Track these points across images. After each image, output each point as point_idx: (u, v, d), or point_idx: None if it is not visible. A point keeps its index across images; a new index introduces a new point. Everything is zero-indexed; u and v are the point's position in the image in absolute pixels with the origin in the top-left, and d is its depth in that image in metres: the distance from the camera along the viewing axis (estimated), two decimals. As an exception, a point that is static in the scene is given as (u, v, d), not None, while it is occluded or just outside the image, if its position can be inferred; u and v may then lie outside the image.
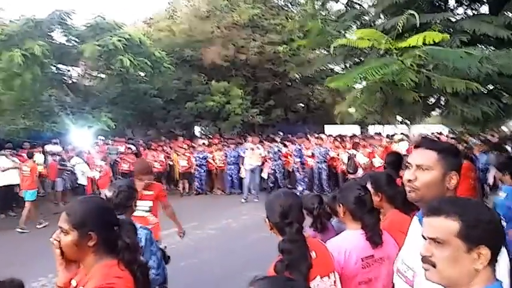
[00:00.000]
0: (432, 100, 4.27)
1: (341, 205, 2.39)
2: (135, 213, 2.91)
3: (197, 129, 20.67)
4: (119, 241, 1.72)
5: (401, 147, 11.30)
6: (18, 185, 10.68)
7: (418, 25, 2.61)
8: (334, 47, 2.92)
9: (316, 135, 14.26)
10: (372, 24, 3.70)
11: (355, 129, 20.11)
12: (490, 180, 8.30)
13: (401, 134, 12.42)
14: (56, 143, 12.76)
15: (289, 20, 19.67)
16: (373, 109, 3.57)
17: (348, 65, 3.94)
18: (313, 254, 1.98)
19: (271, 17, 19.44)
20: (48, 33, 13.25)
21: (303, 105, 25.44)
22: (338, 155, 12.18)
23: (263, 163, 12.58)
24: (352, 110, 3.74)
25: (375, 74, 2.41)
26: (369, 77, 2.43)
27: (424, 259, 1.26)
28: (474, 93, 2.70)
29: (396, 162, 4.31)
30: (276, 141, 13.37)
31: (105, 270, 1.65)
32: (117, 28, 14.01)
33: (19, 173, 9.97)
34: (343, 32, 3.66)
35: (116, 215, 1.83)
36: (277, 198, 2.06)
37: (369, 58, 3.28)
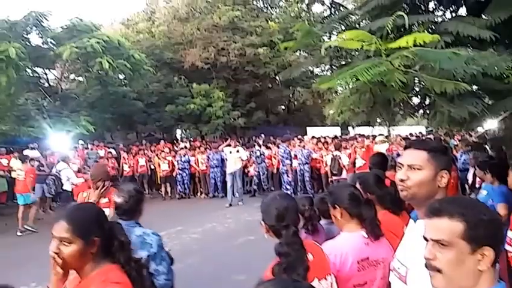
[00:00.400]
0: (416, 101, 4.34)
1: (337, 206, 2.36)
2: None
3: (178, 133, 20.52)
4: (114, 241, 1.70)
5: (381, 148, 11.46)
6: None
7: (406, 26, 2.65)
8: (325, 49, 2.92)
9: (299, 137, 14.33)
10: (357, 26, 3.74)
11: (336, 131, 20.33)
12: (470, 180, 8.51)
13: (381, 135, 12.61)
14: (33, 148, 12.42)
15: (269, 22, 19.80)
16: (360, 110, 3.61)
17: (333, 67, 3.99)
18: (310, 257, 1.96)
19: (252, 19, 19.51)
20: (24, 35, 12.95)
21: (283, 107, 25.60)
22: (322, 156, 12.26)
23: (246, 166, 12.55)
24: (332, 111, 3.76)
25: (365, 74, 2.43)
26: (360, 78, 2.44)
27: (429, 265, 1.24)
28: (460, 93, 2.76)
29: (381, 162, 4.36)
30: (259, 144, 13.34)
31: (104, 276, 1.62)
32: (94, 30, 13.82)
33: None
34: (328, 34, 3.68)
35: (106, 218, 1.79)
36: (273, 201, 2.04)
37: (356, 59, 3.31)
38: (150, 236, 2.72)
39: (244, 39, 18.56)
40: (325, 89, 21.68)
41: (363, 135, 14.63)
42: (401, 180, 1.70)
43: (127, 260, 1.70)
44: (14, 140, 12.51)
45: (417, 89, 3.21)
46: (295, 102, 23.79)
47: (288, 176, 11.76)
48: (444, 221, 1.22)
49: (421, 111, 4.27)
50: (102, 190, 3.62)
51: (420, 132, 18.16)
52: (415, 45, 2.47)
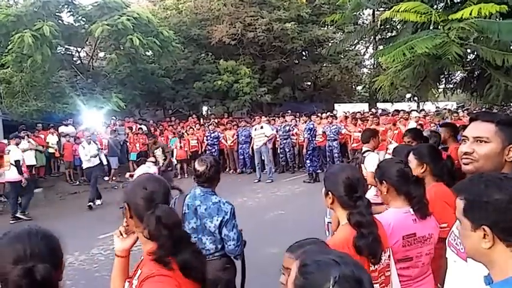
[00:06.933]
0: (459, 76, 4.22)
1: (384, 181, 2.31)
2: None
3: (204, 109, 20.63)
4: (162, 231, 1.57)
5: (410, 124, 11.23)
6: (34, 165, 10.77)
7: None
8: (371, 22, 2.87)
9: (329, 113, 14.20)
10: (403, -2, 3.62)
11: (364, 107, 20.03)
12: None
13: (413, 110, 12.36)
14: (68, 124, 12.79)
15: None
16: (409, 84, 3.54)
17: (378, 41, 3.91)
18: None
19: (279, -7, 19.08)
20: (56, 14, 13.12)
21: (309, 83, 25.27)
22: (350, 132, 12.16)
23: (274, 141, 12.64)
24: (382, 86, 3.72)
25: (422, 47, 2.38)
26: (418, 50, 2.39)
27: None
28: (514, 66, 2.67)
29: (417, 137, 4.18)
30: (288, 118, 13.37)
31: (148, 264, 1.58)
32: (124, 7, 13.83)
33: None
34: (378, 6, 3.59)
35: (170, 190, 1.76)
36: (342, 172, 2.03)
37: (404, 32, 3.24)
38: (225, 205, 2.94)
39: (272, 14, 18.24)
40: (354, 65, 21.29)
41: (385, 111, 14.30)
42: (466, 153, 1.66)
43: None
44: (50, 116, 12.88)
45: (472, 62, 3.12)
46: (322, 78, 23.38)
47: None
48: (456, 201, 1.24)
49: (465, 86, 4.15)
50: None
51: (449, 109, 17.57)
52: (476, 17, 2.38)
